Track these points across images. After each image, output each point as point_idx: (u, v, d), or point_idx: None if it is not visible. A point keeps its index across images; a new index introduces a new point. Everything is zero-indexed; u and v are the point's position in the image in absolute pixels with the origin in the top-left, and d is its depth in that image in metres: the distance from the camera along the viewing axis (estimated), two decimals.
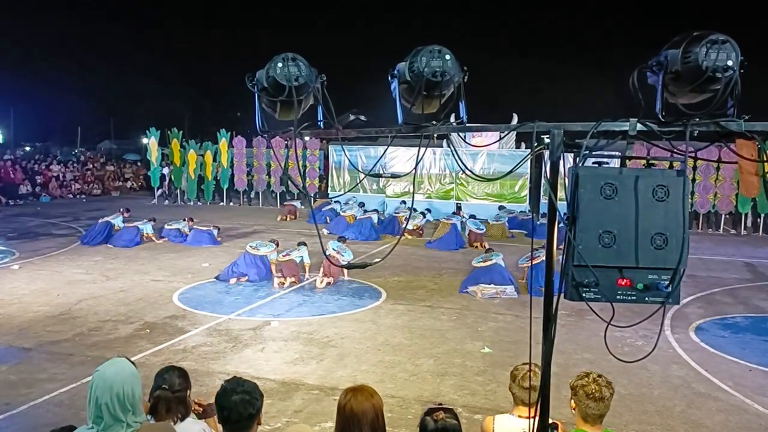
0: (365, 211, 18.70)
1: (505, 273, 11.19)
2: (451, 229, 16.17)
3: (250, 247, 12.01)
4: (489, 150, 20.91)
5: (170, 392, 2.94)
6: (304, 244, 12.08)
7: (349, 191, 22.13)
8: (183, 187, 25.26)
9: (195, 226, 15.90)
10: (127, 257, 13.61)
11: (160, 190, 25.99)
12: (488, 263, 11.29)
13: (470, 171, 3.23)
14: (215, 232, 15.81)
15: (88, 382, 2.62)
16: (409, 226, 16.88)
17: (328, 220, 18.90)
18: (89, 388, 2.60)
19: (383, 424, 2.85)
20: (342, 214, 18.69)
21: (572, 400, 3.09)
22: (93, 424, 2.56)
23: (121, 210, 16.42)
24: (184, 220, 16.37)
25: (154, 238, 15.42)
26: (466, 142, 12.48)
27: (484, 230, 16.42)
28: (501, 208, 20.29)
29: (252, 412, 2.66)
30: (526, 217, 18.87)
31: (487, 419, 3.33)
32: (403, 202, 20.60)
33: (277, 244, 12.38)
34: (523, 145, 21.37)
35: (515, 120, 17.14)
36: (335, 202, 21.03)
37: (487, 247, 13.84)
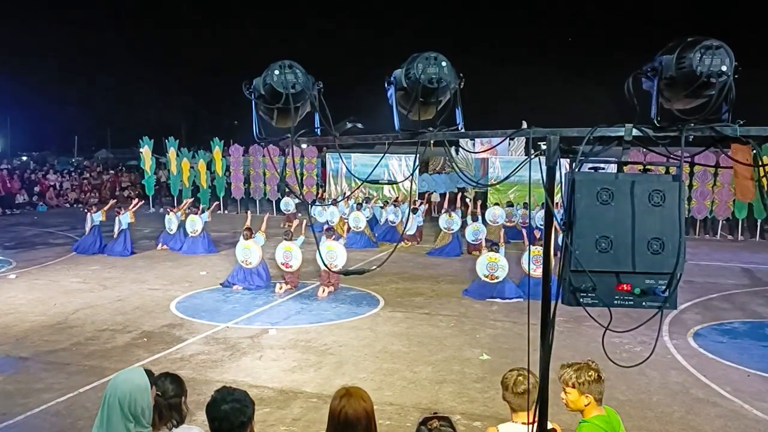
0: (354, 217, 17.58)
1: (513, 286, 11.16)
2: (452, 239, 16.15)
3: (243, 262, 11.76)
4: (500, 158, 20.71)
5: (162, 398, 2.94)
6: (290, 240, 11.61)
7: (345, 198, 21.95)
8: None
9: (191, 234, 15.60)
10: (124, 266, 13.57)
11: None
12: (495, 281, 11.11)
13: (466, 176, 3.23)
14: (206, 215, 15.83)
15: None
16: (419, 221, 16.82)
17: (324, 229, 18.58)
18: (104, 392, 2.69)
19: (375, 427, 2.83)
20: (330, 223, 17.67)
21: (583, 397, 3.10)
22: (97, 429, 2.61)
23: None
24: (170, 211, 16.48)
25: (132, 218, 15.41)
26: (468, 150, 12.47)
27: (483, 237, 16.20)
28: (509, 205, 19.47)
29: (243, 420, 2.65)
30: (524, 224, 18.71)
31: (490, 430, 3.27)
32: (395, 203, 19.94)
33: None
34: (532, 152, 21.19)
35: (524, 126, 17.18)
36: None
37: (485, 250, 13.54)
